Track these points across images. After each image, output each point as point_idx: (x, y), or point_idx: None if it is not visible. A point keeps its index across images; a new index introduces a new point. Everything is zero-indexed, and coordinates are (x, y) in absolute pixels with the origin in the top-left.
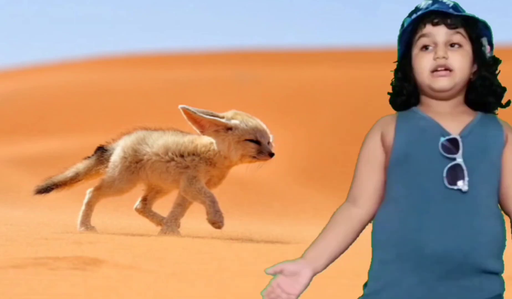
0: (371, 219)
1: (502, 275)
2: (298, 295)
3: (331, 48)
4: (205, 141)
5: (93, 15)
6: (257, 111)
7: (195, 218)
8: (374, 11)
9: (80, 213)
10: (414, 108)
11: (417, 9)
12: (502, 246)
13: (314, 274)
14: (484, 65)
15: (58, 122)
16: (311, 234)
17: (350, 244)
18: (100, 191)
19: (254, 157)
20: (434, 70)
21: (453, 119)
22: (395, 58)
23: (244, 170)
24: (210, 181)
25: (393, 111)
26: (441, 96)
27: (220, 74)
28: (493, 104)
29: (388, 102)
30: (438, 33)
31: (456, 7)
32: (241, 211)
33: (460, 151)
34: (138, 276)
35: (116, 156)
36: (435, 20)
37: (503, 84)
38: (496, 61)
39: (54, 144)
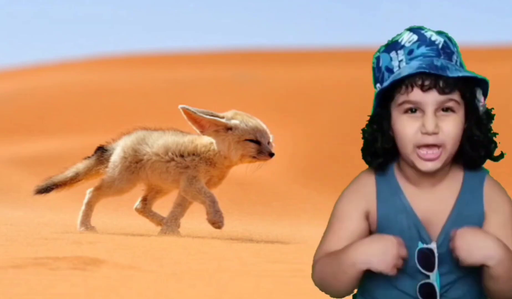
0: None
1: None
2: None
3: (331, 48)
4: (205, 141)
5: (93, 15)
6: (257, 111)
7: (195, 218)
8: (374, 11)
9: (80, 213)
10: (392, 176)
11: (397, 43)
12: None
13: None
14: (477, 122)
15: (58, 122)
16: (311, 234)
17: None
18: (100, 191)
19: (254, 157)
20: (421, 146)
21: (434, 201)
22: None
23: (244, 170)
24: (210, 181)
25: None
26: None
27: (220, 74)
28: (483, 158)
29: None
30: (428, 101)
31: (447, 46)
32: (241, 211)
33: (435, 270)
34: (138, 276)
35: (116, 156)
36: (426, 84)
37: (503, 84)
38: (489, 116)
39: (54, 144)
